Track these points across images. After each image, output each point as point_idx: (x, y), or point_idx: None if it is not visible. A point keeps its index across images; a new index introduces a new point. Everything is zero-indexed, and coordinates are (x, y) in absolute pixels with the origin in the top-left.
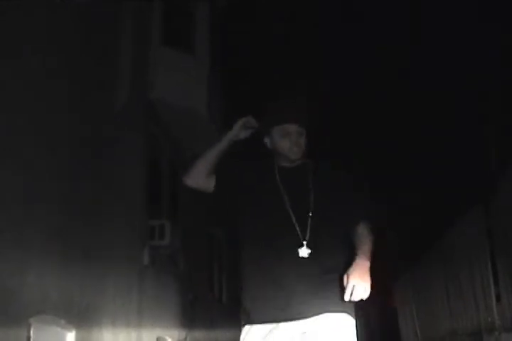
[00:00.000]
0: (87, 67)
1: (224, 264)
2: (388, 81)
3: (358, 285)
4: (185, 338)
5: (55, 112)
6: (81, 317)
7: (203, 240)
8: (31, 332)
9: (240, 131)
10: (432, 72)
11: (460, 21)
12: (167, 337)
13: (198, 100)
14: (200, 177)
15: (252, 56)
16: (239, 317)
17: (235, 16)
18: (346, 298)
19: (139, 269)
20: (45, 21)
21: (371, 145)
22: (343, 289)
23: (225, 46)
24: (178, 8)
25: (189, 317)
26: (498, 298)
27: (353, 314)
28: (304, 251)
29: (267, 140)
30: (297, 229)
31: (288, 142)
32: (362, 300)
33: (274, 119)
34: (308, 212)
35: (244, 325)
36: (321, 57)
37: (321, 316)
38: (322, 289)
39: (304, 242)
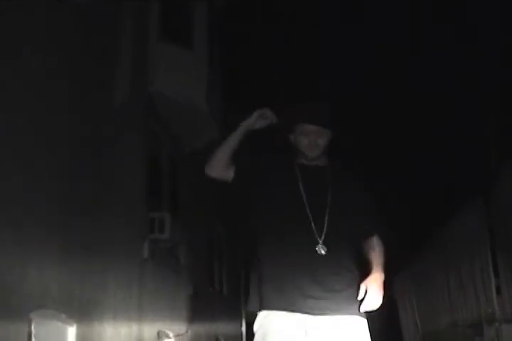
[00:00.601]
0: (86, 67)
1: (224, 257)
2: (388, 81)
3: (375, 298)
4: (186, 331)
5: (55, 112)
6: (82, 311)
7: (202, 233)
8: (32, 326)
9: (256, 121)
10: (432, 72)
11: (459, 21)
12: (168, 331)
13: (198, 96)
14: (219, 167)
15: (252, 56)
16: (240, 310)
17: (235, 16)
18: (363, 309)
19: (139, 263)
20: (45, 21)
21: (372, 144)
22: (355, 297)
23: (224, 46)
24: (176, 4)
25: (190, 310)
26: (499, 291)
27: (365, 315)
28: (321, 249)
29: (291, 136)
30: (312, 225)
31: (306, 141)
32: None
33: (297, 118)
34: (325, 210)
35: (259, 310)
36: (321, 57)
37: (335, 317)
38: (335, 288)
39: (320, 241)
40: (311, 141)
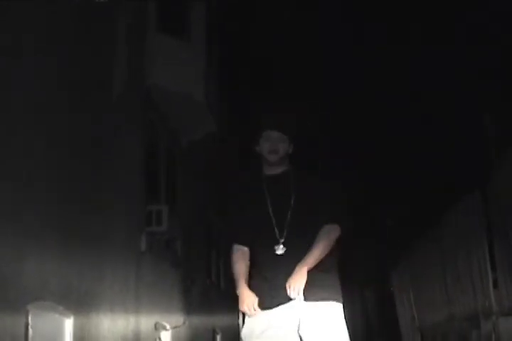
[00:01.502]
0: (85, 63)
1: (221, 249)
2: (388, 81)
3: (293, 288)
4: (184, 323)
5: (54, 108)
6: (79, 303)
7: (200, 226)
8: (29, 318)
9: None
10: (432, 72)
11: (460, 21)
12: (165, 323)
13: (196, 89)
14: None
15: (252, 56)
16: (237, 302)
17: (235, 16)
18: (292, 296)
19: (136, 255)
20: (45, 20)
21: (371, 143)
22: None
23: (224, 46)
24: None
25: (187, 302)
26: (495, 284)
27: (341, 300)
28: (280, 250)
29: (258, 148)
30: (276, 231)
31: (268, 145)
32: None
33: (260, 127)
34: (287, 216)
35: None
36: (321, 57)
37: (311, 303)
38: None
39: (281, 241)
40: (272, 146)
